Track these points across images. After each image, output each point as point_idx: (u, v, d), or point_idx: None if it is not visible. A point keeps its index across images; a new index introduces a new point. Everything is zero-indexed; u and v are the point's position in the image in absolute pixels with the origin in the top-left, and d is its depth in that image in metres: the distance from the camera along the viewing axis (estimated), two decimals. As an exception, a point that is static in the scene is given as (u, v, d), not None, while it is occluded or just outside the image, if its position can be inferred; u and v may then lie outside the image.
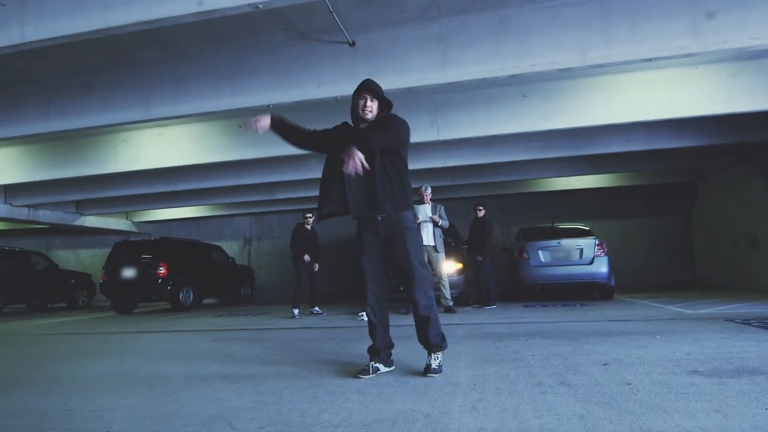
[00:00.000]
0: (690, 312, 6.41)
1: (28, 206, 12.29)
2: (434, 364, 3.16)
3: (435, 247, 7.67)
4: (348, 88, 5.56)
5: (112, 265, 11.10)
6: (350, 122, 3.36)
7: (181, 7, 3.77)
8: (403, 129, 3.15)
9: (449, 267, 8.36)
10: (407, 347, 3.98)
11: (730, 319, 5.38)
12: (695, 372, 2.97)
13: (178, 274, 11.13)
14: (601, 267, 8.54)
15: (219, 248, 13.64)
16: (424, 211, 7.56)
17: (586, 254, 8.64)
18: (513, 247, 9.62)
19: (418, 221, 7.55)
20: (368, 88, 3.22)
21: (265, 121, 3.21)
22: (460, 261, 8.76)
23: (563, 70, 5.08)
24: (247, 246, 16.23)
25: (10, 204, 11.84)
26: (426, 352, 3.26)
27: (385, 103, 3.28)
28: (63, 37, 4.04)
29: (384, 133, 3.05)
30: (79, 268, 16.12)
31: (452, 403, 2.55)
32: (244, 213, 15.49)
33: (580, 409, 2.34)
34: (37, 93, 6.35)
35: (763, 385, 2.60)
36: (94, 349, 5.33)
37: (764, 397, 2.40)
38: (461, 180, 11.03)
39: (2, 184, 10.23)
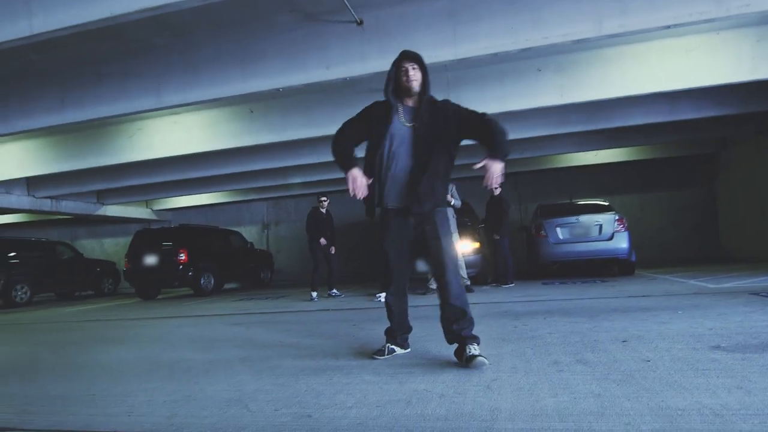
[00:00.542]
0: (713, 286, 6.28)
1: (51, 197, 12.55)
2: (476, 351, 2.80)
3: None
4: (357, 69, 5.52)
5: (135, 253, 11.32)
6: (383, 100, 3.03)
7: (184, -8, 3.74)
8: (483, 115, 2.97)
9: (465, 246, 8.31)
10: (423, 328, 3.99)
11: (755, 293, 5.25)
12: (717, 347, 2.91)
13: (199, 260, 11.30)
14: (621, 242, 8.39)
15: (238, 233, 13.79)
16: (439, 191, 7.49)
17: (605, 230, 8.49)
18: (530, 225, 9.50)
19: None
20: (408, 55, 2.96)
21: (361, 175, 2.93)
22: (476, 240, 8.69)
23: (578, 41, 4.93)
24: (265, 231, 16.38)
25: (33, 196, 12.11)
26: (452, 343, 2.98)
27: (425, 72, 2.99)
28: (70, 27, 4.06)
29: (497, 131, 2.83)
30: (103, 256, 16.49)
31: (467, 383, 2.53)
32: (261, 198, 15.59)
33: (597, 387, 2.31)
34: (51, 85, 6.41)
35: (788, 360, 2.54)
36: (117, 335, 5.46)
37: (789, 372, 2.34)
38: (477, 158, 10.86)
39: (25, 176, 10.44)
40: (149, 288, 11.59)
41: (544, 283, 8.28)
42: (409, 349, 3.29)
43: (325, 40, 5.51)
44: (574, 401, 2.14)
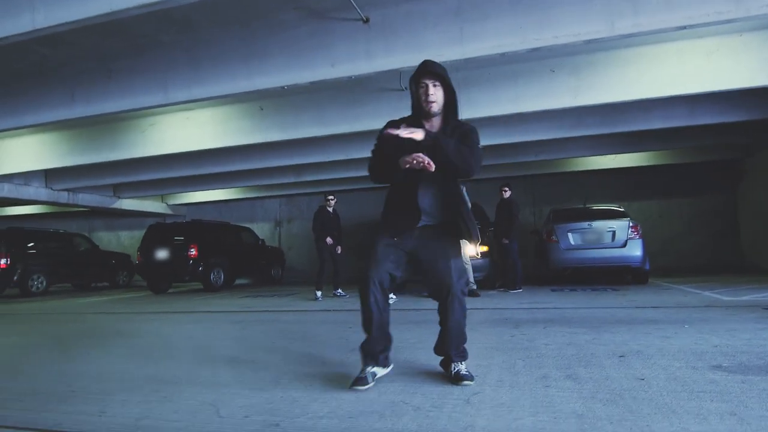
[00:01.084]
0: (728, 299, 6.03)
1: (68, 190, 12.77)
2: (463, 369, 2.65)
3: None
4: (363, 67, 5.44)
5: (147, 247, 11.43)
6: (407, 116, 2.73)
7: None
8: (479, 156, 2.60)
9: (473, 249, 8.17)
10: (418, 334, 3.90)
11: (769, 308, 5.02)
12: (718, 367, 2.75)
13: (209, 256, 11.36)
14: (635, 250, 8.14)
15: (249, 230, 13.85)
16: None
17: (618, 237, 8.25)
18: (542, 229, 9.31)
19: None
20: (428, 70, 2.54)
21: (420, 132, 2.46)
22: (485, 243, 8.54)
23: (589, 41, 4.76)
24: (278, 228, 16.43)
25: (51, 188, 12.33)
26: (442, 365, 2.80)
27: (450, 91, 2.61)
28: (71, 22, 4.06)
29: (465, 147, 2.50)
30: (119, 249, 16.74)
31: (448, 395, 2.44)
32: (275, 195, 15.64)
33: (582, 406, 2.19)
34: (62, 80, 6.48)
35: (791, 385, 2.38)
36: (117, 330, 5.48)
37: (790, 398, 2.19)
38: (489, 160, 10.68)
39: (42, 168, 10.62)
40: (160, 282, 11.69)
41: (552, 290, 8.09)
42: (391, 366, 2.80)
43: (331, 38, 5.44)
44: (554, 421, 2.03)
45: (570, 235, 8.49)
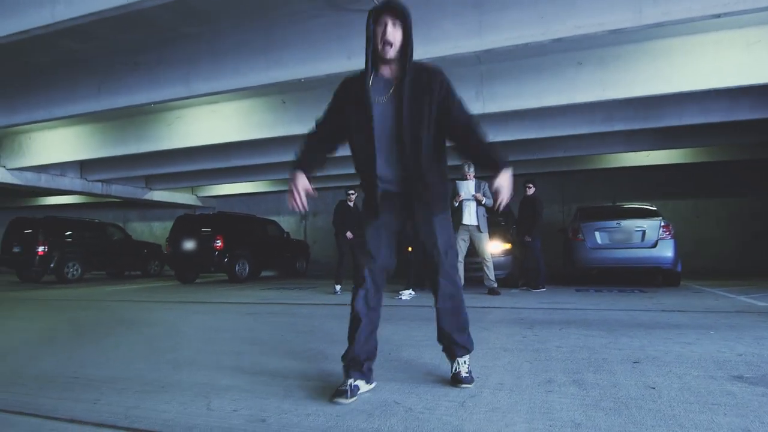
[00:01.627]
0: (762, 304, 5.70)
1: (102, 181, 13.18)
2: (463, 371, 2.49)
3: (478, 227, 7.33)
4: (379, 59, 5.34)
5: (175, 238, 11.69)
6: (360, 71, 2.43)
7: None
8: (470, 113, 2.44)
9: (495, 247, 8.00)
10: (425, 332, 3.81)
11: (807, 315, 4.71)
12: (739, 378, 2.56)
13: (235, 247, 11.53)
14: (666, 251, 7.80)
15: (274, 223, 13.98)
16: (467, 188, 7.22)
17: (648, 236, 7.92)
18: (568, 227, 9.03)
19: (460, 199, 7.24)
20: (391, 5, 2.25)
21: (304, 183, 2.42)
22: (508, 240, 8.35)
23: (614, 31, 4.53)
24: (303, 221, 16.55)
25: (86, 179, 12.75)
26: (445, 355, 2.60)
27: (409, 37, 2.30)
28: (92, 14, 4.13)
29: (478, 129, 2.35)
30: (151, 239, 17.21)
31: (443, 397, 2.35)
32: (301, 189, 15.72)
33: (581, 415, 2.06)
34: (90, 73, 6.64)
35: (817, 400, 2.19)
36: (136, 317, 5.59)
37: (813, 415, 2.01)
38: (515, 156, 10.46)
39: (77, 159, 10.98)
40: (188, 272, 11.94)
41: (577, 290, 7.83)
42: (374, 384, 2.47)
43: (347, 29, 5.37)
44: (548, 429, 1.92)
45: (597, 233, 8.20)
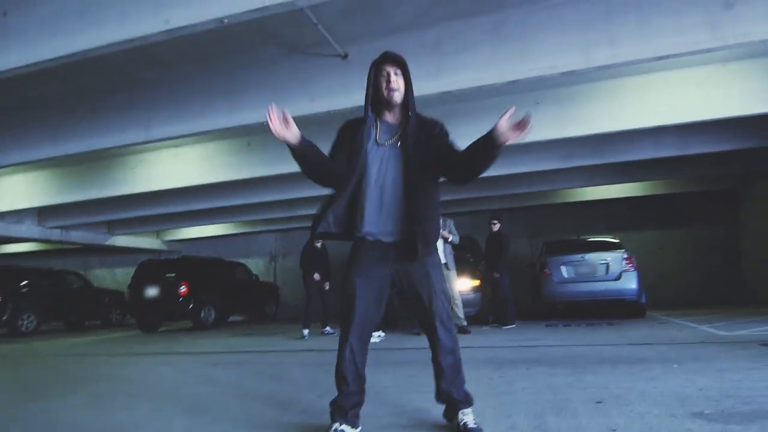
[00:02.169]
0: (724, 333, 5.79)
1: (61, 227, 12.74)
2: (471, 422, 2.38)
3: (446, 264, 7.31)
4: (341, 102, 5.42)
5: (137, 285, 11.28)
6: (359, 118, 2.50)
7: (150, 26, 3.69)
8: None
9: (464, 284, 7.98)
10: (391, 377, 3.69)
11: (766, 343, 4.78)
12: (699, 415, 2.54)
13: (200, 293, 11.18)
14: (630, 283, 7.93)
15: (242, 266, 13.69)
16: (433, 226, 7.24)
17: (612, 269, 8.05)
18: (535, 262, 9.12)
19: (427, 237, 7.24)
20: (391, 57, 2.38)
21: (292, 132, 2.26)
22: (477, 277, 8.35)
23: (566, 73, 4.72)
24: (273, 263, 16.28)
25: (43, 226, 12.30)
26: (440, 403, 2.53)
27: (409, 86, 2.42)
28: (43, 62, 4.06)
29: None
30: (114, 286, 16.56)
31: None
32: (269, 230, 15.55)
33: (541, 464, 1.99)
34: (46, 117, 6.50)
35: (774, 436, 2.18)
36: (83, 376, 5.26)
37: (771, 453, 1.99)
38: (481, 193, 10.62)
39: (34, 206, 10.60)
40: (150, 320, 11.48)
41: (547, 325, 7.84)
42: (359, 429, 2.44)
43: (310, 73, 5.44)
44: (507, 483, 1.83)
45: (563, 267, 8.31)
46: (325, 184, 2.49)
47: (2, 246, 16.80)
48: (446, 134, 2.47)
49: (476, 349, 5.59)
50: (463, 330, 7.22)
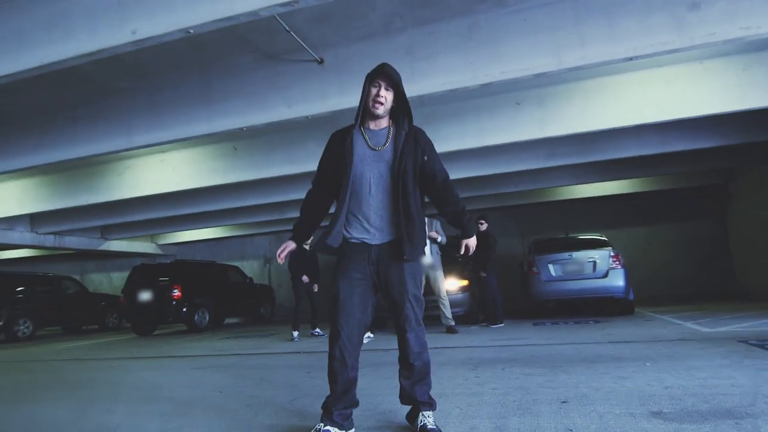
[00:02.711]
0: (706, 330, 5.83)
1: (54, 233, 12.78)
2: (430, 424, 2.46)
3: (433, 265, 7.36)
4: (318, 107, 5.46)
5: (131, 289, 11.34)
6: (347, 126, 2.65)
7: (116, 37, 3.73)
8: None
9: (451, 284, 8.03)
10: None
11: (743, 340, 4.83)
12: (657, 414, 2.59)
13: (193, 296, 11.24)
14: (617, 280, 7.97)
15: (236, 268, 13.74)
16: (419, 227, 7.27)
17: (600, 267, 8.09)
18: (523, 261, 9.16)
19: (413, 238, 7.28)
20: (384, 72, 2.48)
21: (291, 248, 2.68)
22: (464, 277, 8.39)
23: (537, 75, 4.76)
24: (267, 265, 16.32)
25: (36, 232, 12.34)
26: (405, 404, 2.61)
27: (403, 101, 2.55)
28: (13, 74, 4.10)
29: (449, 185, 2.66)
30: (110, 290, 16.63)
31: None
32: (263, 233, 15.60)
33: (490, 466, 2.04)
34: (30, 127, 6.55)
35: (722, 435, 2.22)
36: (74, 379, 5.33)
37: (713, 452, 2.03)
38: (467, 192, 10.65)
39: (25, 213, 10.63)
40: (145, 324, 11.54)
41: (534, 324, 7.88)
42: (353, 430, 2.53)
43: (286, 80, 5.48)
44: (452, 486, 1.88)
45: (551, 266, 8.34)
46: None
47: (-3, 253, 16.85)
48: (434, 150, 2.64)
49: (459, 349, 5.64)
50: (451, 330, 7.28)
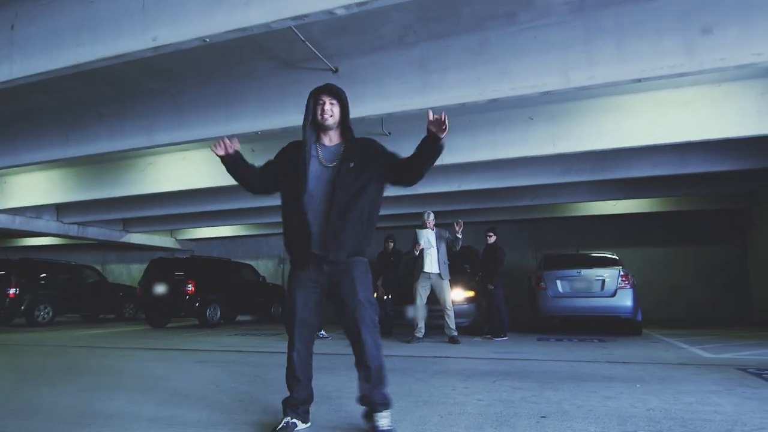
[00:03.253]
0: (708, 356, 5.76)
1: (78, 224, 13.23)
2: (385, 425, 2.57)
3: (440, 275, 7.43)
4: (331, 114, 5.58)
5: (147, 281, 11.66)
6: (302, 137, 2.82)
7: (139, 43, 3.94)
8: None
9: (457, 295, 8.06)
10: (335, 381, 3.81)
11: (743, 368, 4.77)
12: (630, 435, 2.62)
13: (206, 292, 11.49)
14: (625, 300, 7.90)
15: (250, 267, 13.98)
16: (426, 237, 7.35)
17: (608, 286, 8.03)
18: (532, 276, 9.14)
19: (420, 247, 7.35)
20: (327, 88, 2.75)
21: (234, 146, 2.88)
22: (471, 288, 8.42)
23: (545, 93, 4.81)
24: (281, 265, 16.56)
25: (61, 221, 12.80)
26: (363, 405, 2.69)
27: (346, 114, 2.78)
28: (43, 73, 4.35)
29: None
30: (129, 281, 17.07)
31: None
32: (278, 233, 15.82)
33: (454, 472, 2.11)
34: (57, 122, 6.87)
35: (687, 459, 2.25)
36: (81, 364, 5.55)
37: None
38: (482, 204, 10.69)
39: (52, 203, 11.08)
40: (159, 316, 11.84)
41: (539, 339, 7.86)
42: (309, 424, 2.75)
43: (302, 86, 5.62)
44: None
45: (559, 282, 8.31)
46: (249, 189, 3.04)
47: (22, 239, 17.49)
48: (384, 147, 2.80)
49: (456, 359, 5.69)
50: (453, 340, 7.31)
